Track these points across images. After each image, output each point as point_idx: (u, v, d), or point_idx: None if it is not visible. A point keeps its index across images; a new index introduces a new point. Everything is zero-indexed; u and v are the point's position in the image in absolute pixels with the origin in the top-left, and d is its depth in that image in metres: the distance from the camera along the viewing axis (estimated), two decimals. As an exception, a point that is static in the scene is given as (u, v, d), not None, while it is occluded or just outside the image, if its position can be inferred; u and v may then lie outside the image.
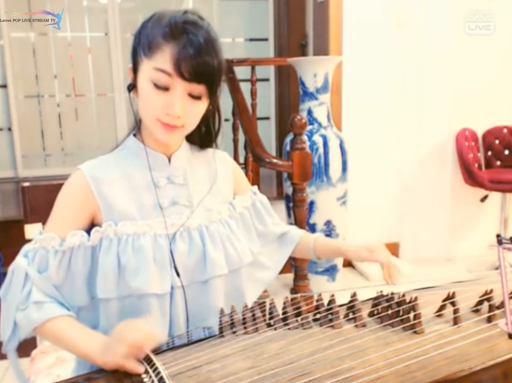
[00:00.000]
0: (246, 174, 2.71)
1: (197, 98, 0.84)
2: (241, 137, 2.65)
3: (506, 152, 2.98)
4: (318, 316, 0.84)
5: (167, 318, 0.88)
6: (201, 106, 0.87)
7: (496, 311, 0.82)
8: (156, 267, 0.86)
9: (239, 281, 0.96)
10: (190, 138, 0.98)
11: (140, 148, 0.92)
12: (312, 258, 1.08)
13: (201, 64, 0.80)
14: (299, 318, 0.83)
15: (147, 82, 0.83)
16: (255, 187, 1.08)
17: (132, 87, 0.89)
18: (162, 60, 0.81)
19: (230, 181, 1.02)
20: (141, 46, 0.84)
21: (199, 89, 0.83)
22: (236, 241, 0.96)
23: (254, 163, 2.52)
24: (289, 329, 0.81)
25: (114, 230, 0.86)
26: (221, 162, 1.02)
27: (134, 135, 0.94)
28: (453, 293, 0.85)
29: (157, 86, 0.82)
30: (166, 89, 0.82)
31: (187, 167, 0.95)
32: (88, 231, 0.87)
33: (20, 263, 0.84)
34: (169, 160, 0.93)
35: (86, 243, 0.85)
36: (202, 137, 0.99)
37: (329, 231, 2.51)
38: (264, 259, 1.06)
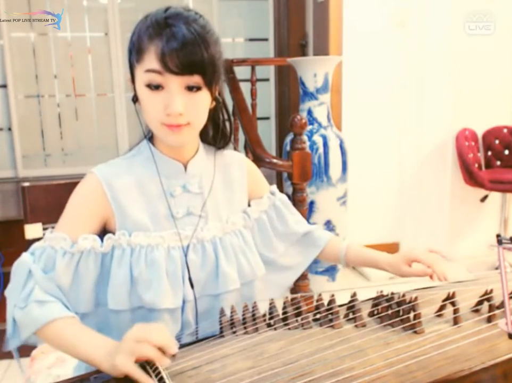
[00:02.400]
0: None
1: (196, 89, 0.80)
2: (241, 137, 2.65)
3: (506, 152, 2.97)
4: (318, 316, 0.84)
5: (177, 328, 0.87)
6: (203, 98, 0.82)
7: (496, 311, 0.82)
8: (169, 281, 0.84)
9: (251, 293, 0.94)
10: (203, 139, 0.95)
11: (154, 155, 0.89)
12: (342, 265, 1.05)
13: (188, 54, 0.77)
14: (299, 318, 0.83)
15: (142, 87, 0.81)
16: (274, 187, 1.05)
17: (136, 98, 0.87)
18: (149, 60, 0.79)
19: (245, 185, 0.99)
20: (132, 53, 0.83)
21: (194, 80, 0.79)
22: (250, 253, 0.94)
23: (254, 163, 2.51)
24: (289, 329, 0.81)
25: (127, 240, 0.84)
26: (237, 165, 0.99)
27: (149, 139, 0.91)
28: (453, 293, 0.85)
29: (151, 87, 0.80)
30: (160, 88, 0.80)
31: (203, 174, 0.92)
32: (99, 236, 0.85)
33: (25, 259, 0.82)
34: (185, 167, 0.90)
35: (98, 249, 0.83)
36: (214, 137, 0.96)
37: (329, 231, 2.50)
38: (285, 261, 1.03)
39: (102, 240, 0.85)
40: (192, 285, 0.87)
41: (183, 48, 0.77)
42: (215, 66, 0.81)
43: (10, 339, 0.80)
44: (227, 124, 0.96)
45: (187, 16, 0.80)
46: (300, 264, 1.05)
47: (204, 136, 0.95)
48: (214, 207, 0.92)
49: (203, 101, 0.83)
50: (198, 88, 0.81)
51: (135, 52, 0.82)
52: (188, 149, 0.90)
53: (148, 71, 0.79)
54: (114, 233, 0.85)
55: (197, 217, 0.90)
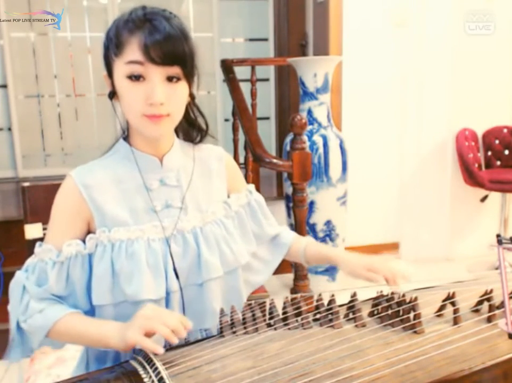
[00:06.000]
0: (246, 174, 2.71)
1: (176, 80, 0.83)
2: (241, 137, 2.65)
3: (506, 152, 2.98)
4: (318, 316, 0.84)
5: None
6: (182, 89, 0.85)
7: (496, 311, 0.82)
8: (150, 272, 0.85)
9: (236, 281, 0.96)
10: (179, 136, 0.98)
11: (130, 152, 0.91)
12: (302, 263, 1.08)
13: (170, 46, 0.81)
14: (299, 318, 0.83)
15: (123, 79, 0.83)
16: (252, 185, 1.06)
17: (112, 94, 0.89)
18: (131, 52, 0.81)
19: (224, 178, 1.01)
20: (110, 48, 0.85)
21: (174, 70, 0.82)
22: (232, 241, 0.95)
23: (254, 163, 2.52)
24: (289, 328, 0.81)
25: (107, 236, 0.85)
26: (215, 158, 1.01)
27: (124, 139, 0.93)
28: (453, 293, 0.85)
29: (132, 78, 0.82)
30: (141, 79, 0.82)
31: (180, 167, 0.94)
32: (84, 239, 0.87)
33: (19, 277, 0.86)
34: (161, 162, 0.92)
35: (83, 252, 0.85)
36: (190, 132, 0.99)
37: (329, 231, 2.51)
38: (256, 262, 1.04)
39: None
40: (177, 276, 0.88)
41: (166, 40, 0.80)
42: (193, 59, 0.86)
43: (14, 350, 0.86)
44: (200, 119, 0.99)
45: (164, 14, 0.84)
46: (269, 265, 1.07)
47: (178, 132, 0.97)
48: (193, 198, 0.94)
49: (182, 92, 0.86)
50: (178, 79, 0.84)
51: (114, 47, 0.83)
52: (163, 144, 0.92)
53: (130, 62, 0.82)
54: (95, 233, 0.87)
55: (176, 209, 0.92)
